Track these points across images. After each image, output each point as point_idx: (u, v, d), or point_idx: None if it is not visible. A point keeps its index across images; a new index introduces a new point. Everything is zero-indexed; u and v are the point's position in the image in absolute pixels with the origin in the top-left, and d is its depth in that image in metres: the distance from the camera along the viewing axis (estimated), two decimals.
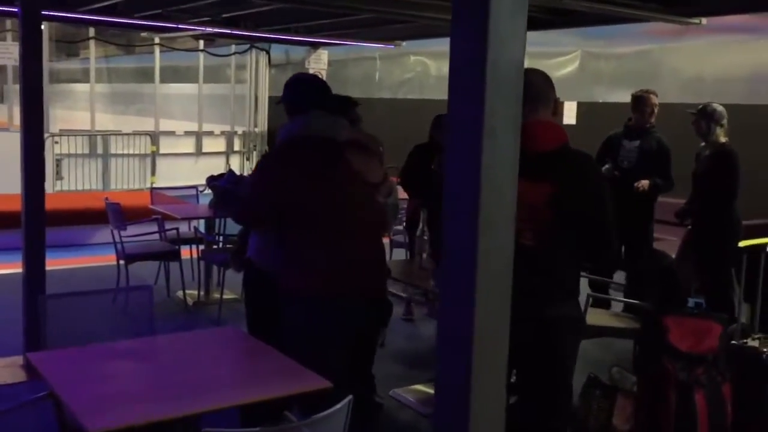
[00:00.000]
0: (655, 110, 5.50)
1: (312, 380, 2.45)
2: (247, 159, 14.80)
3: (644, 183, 5.25)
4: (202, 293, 6.20)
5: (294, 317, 2.92)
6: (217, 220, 6.28)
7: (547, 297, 2.52)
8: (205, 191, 6.78)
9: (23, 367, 4.30)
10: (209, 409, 2.19)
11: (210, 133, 13.96)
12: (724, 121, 5.03)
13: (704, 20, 5.51)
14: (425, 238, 4.30)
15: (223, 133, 14.23)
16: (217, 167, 14.05)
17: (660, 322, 3.28)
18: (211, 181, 6.37)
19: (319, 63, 8.87)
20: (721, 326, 3.32)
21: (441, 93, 12.79)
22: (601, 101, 10.03)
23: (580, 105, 10.49)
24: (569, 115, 10.52)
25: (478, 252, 1.38)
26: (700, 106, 5.13)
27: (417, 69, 13.48)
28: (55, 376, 2.38)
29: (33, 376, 2.50)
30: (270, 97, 15.88)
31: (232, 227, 6.26)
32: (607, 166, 5.39)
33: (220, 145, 14.17)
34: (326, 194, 2.96)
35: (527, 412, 2.66)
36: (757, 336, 3.63)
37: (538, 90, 2.54)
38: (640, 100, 5.51)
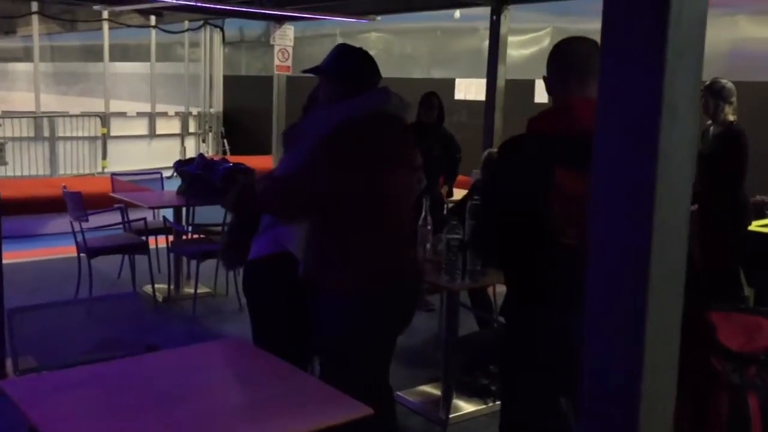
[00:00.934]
0: None
1: (351, 407, 2.08)
2: (203, 141, 14.19)
3: None
4: (172, 288, 5.72)
5: (351, 318, 2.59)
6: (185, 209, 5.80)
7: None
8: (173, 176, 6.31)
9: None
10: None
11: (164, 114, 13.30)
12: (733, 99, 4.78)
13: None
14: (428, 227, 3.96)
15: (177, 114, 13.58)
16: (172, 150, 13.42)
17: (706, 319, 2.99)
18: (180, 166, 5.95)
19: (284, 39, 8.38)
20: None
21: (405, 71, 12.40)
22: None
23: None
24: (542, 93, 10.31)
25: (651, 258, 1.03)
26: (707, 83, 4.87)
27: (379, 47, 13.04)
28: (36, 410, 1.94)
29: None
30: (225, 77, 15.27)
31: (204, 216, 5.80)
32: None
33: (174, 126, 13.52)
34: (397, 178, 2.69)
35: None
36: None
37: (587, 60, 2.17)
38: None
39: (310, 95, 3.21)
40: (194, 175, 5.51)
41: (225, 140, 14.45)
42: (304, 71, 2.84)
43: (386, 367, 2.83)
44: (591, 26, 8.48)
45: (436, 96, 5.48)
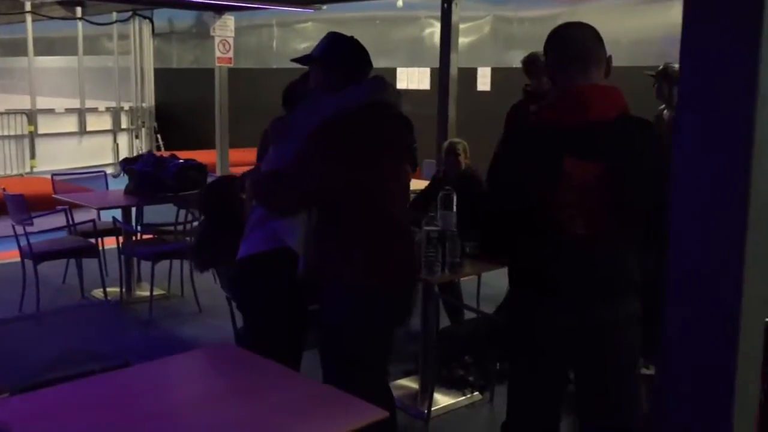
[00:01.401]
0: None
1: (365, 411, 1.99)
2: (136, 137, 13.74)
3: None
4: (124, 291, 5.49)
5: (353, 313, 2.52)
6: (134, 208, 5.57)
7: (606, 292, 2.15)
8: (121, 175, 6.05)
9: None
10: None
11: (94, 110, 12.80)
12: None
13: None
14: None
15: (108, 109, 13.09)
16: (104, 147, 12.95)
17: None
18: (128, 164, 5.70)
19: (225, 30, 8.13)
20: None
21: None
22: (515, 66, 9.85)
23: (494, 71, 10.33)
24: (483, 81, 10.35)
25: (746, 258, 0.98)
26: (660, 68, 4.95)
27: (316, 37, 12.90)
28: None
29: None
30: (157, 70, 14.80)
31: (154, 215, 5.59)
32: None
33: (105, 122, 13.04)
34: (394, 171, 2.62)
35: (593, 415, 2.32)
36: None
37: (588, 47, 2.14)
38: (532, 65, 5.22)
39: (291, 87, 3.09)
40: (144, 173, 5.29)
41: (158, 135, 14.03)
42: (294, 60, 2.71)
43: (386, 365, 2.76)
44: (530, 14, 8.66)
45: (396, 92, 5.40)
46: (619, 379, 2.23)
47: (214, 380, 2.25)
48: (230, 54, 8.19)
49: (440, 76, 6.14)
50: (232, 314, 3.98)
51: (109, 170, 6.94)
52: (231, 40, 8.18)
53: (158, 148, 13.63)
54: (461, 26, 10.24)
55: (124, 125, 13.36)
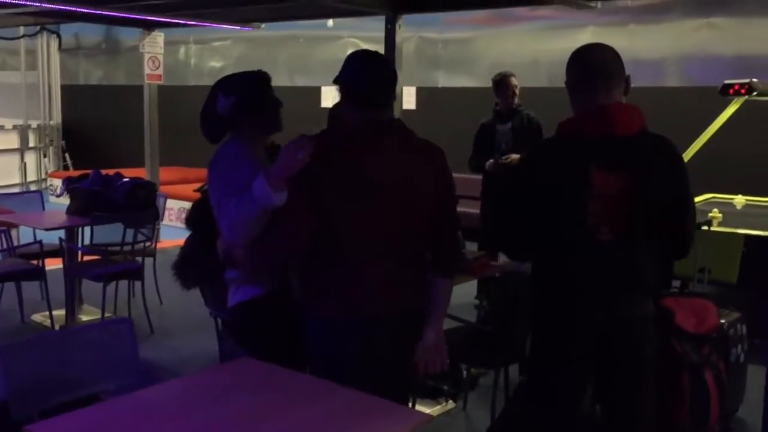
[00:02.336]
0: (516, 91, 5.56)
1: (410, 415, 2.07)
2: (44, 155, 13.18)
3: (513, 157, 5.25)
4: (73, 315, 5.29)
5: (321, 345, 2.38)
6: (80, 228, 5.39)
7: (628, 296, 2.33)
8: (63, 195, 5.83)
9: None
10: None
11: (0, 128, 12.20)
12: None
13: (599, 4, 5.68)
14: None
15: (15, 127, 12.51)
16: (11, 166, 12.36)
17: (663, 305, 3.24)
18: (71, 183, 5.52)
19: (155, 47, 7.98)
20: (714, 304, 3.38)
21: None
22: (440, 86, 10.15)
23: (419, 90, 10.58)
24: (408, 100, 10.57)
25: None
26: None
27: (235, 55, 12.79)
28: None
29: None
30: (63, 86, 14.26)
31: (102, 236, 5.44)
32: (489, 162, 5.39)
33: (12, 141, 12.46)
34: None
35: (610, 419, 2.48)
36: None
37: (610, 67, 2.31)
38: (500, 84, 5.55)
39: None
40: (91, 193, 5.14)
41: (66, 154, 13.50)
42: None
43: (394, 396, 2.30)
44: (453, 35, 9.03)
45: None
46: (639, 380, 2.39)
47: (251, 395, 2.23)
48: (160, 71, 8.05)
49: None
50: (218, 332, 3.96)
51: (15, 189, 6.66)
52: (161, 57, 8.04)
53: (65, 168, 13.12)
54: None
55: (32, 143, 12.80)
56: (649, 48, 8.37)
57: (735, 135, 6.30)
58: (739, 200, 6.27)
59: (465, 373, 4.20)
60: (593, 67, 2.30)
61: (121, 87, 14.27)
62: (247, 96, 2.62)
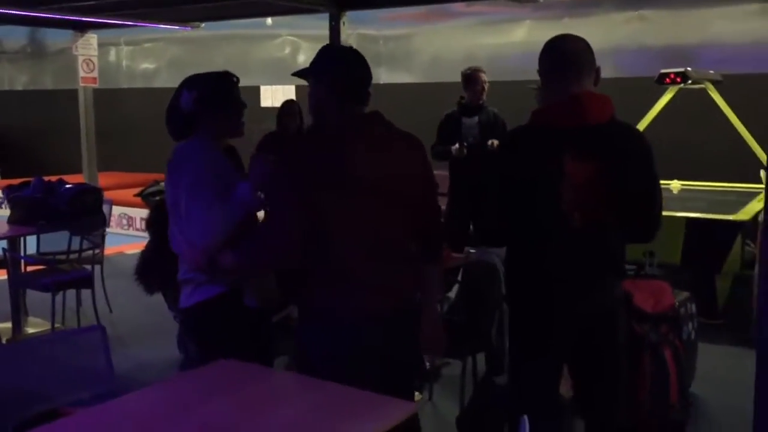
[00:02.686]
0: (486, 86, 5.70)
1: (399, 406, 2.08)
2: None
3: (495, 142, 5.34)
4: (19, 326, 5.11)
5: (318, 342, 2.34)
6: (22, 238, 5.21)
7: (600, 281, 2.40)
8: (4, 205, 5.62)
9: None
10: None
11: None
12: None
13: None
14: None
15: None
16: None
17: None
18: (11, 192, 5.33)
19: (88, 49, 7.77)
20: (669, 284, 3.51)
21: None
22: (382, 82, 10.19)
23: None
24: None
25: None
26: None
27: (167, 56, 12.54)
28: None
29: None
30: None
31: (47, 244, 5.28)
32: (455, 146, 5.49)
33: None
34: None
35: (587, 403, 2.54)
36: None
37: (581, 57, 2.37)
38: (470, 78, 5.68)
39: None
40: (34, 201, 4.98)
41: None
42: (294, 74, 2.60)
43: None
44: (392, 32, 9.09)
45: (296, 103, 5.47)
46: (616, 362, 2.47)
47: (235, 394, 2.21)
48: (95, 74, 7.84)
49: None
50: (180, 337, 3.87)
51: None
52: (95, 59, 7.83)
53: None
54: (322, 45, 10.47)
55: None
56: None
57: (669, 122, 6.53)
58: (675, 185, 6.51)
59: (428, 364, 4.25)
60: (565, 57, 2.36)
61: (50, 92, 13.84)
62: (210, 91, 2.60)
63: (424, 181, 2.39)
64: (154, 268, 3.36)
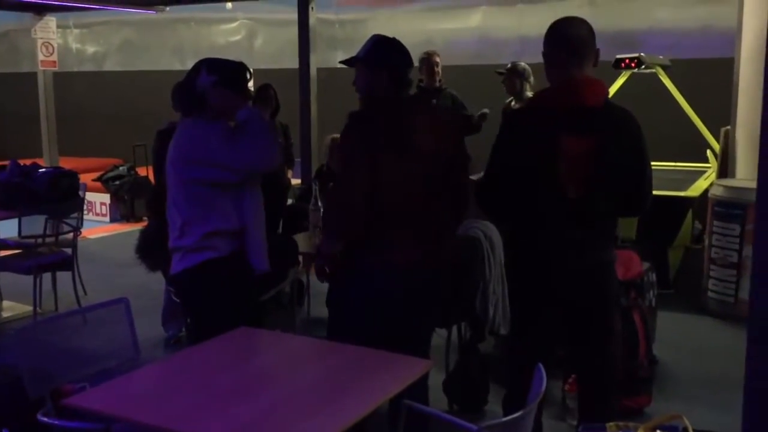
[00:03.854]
0: (438, 69, 5.79)
1: (414, 364, 2.30)
2: None
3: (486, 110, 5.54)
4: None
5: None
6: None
7: (591, 246, 2.66)
8: None
9: None
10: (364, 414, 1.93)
11: None
12: (531, 78, 5.61)
13: None
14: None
15: None
16: None
17: None
18: None
19: (47, 32, 7.69)
20: (637, 252, 3.80)
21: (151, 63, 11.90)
22: (338, 66, 10.31)
23: (319, 71, 10.66)
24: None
25: None
26: (509, 66, 5.65)
27: (117, 39, 12.38)
28: (141, 412, 1.88)
29: None
30: None
31: (26, 227, 5.30)
32: None
33: None
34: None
35: (586, 358, 2.79)
36: None
37: (585, 43, 2.58)
38: (423, 62, 5.79)
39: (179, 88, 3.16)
40: (11, 185, 5.00)
41: None
42: (342, 62, 2.90)
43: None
44: (349, 16, 9.20)
45: (272, 87, 5.57)
46: (610, 319, 2.73)
47: (261, 357, 2.39)
48: (54, 57, 7.77)
49: (300, 76, 6.40)
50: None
51: None
52: (54, 42, 7.75)
53: None
54: (282, 29, 10.50)
55: None
56: (537, 26, 8.90)
57: (622, 105, 6.87)
58: None
59: None
60: (570, 44, 2.57)
61: None
62: (228, 79, 2.76)
63: (457, 150, 2.84)
64: (156, 247, 3.49)
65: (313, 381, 2.21)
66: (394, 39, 2.84)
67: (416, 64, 5.66)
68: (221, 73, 2.76)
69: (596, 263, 2.67)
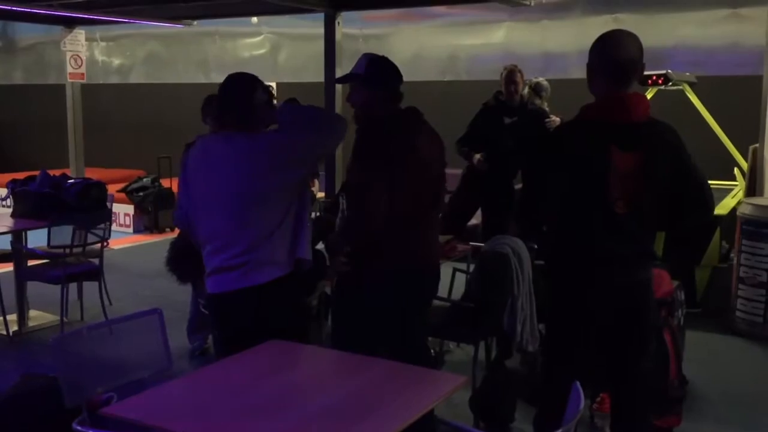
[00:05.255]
0: (520, 85, 5.51)
1: (447, 380, 2.29)
2: None
3: (556, 119, 5.37)
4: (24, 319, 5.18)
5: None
6: (24, 233, 5.28)
7: (635, 263, 2.63)
8: (6, 200, 5.66)
9: None
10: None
11: None
12: (546, 94, 5.67)
13: (532, 1, 6.04)
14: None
15: None
16: None
17: None
18: (16, 186, 5.38)
19: (76, 45, 7.79)
20: (667, 272, 3.77)
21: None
22: None
23: (345, 85, 10.72)
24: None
25: None
26: (533, 84, 5.70)
27: (143, 53, 12.53)
28: (176, 422, 1.89)
29: None
30: None
31: (55, 237, 5.34)
32: (477, 156, 5.44)
33: None
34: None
35: (621, 377, 2.75)
36: None
37: (634, 61, 2.55)
38: (503, 76, 5.54)
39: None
40: (42, 195, 5.06)
41: None
42: (340, 80, 2.95)
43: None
44: (370, 31, 9.27)
45: (296, 101, 5.58)
46: (647, 338, 2.70)
47: (295, 372, 2.38)
48: (83, 69, 7.87)
49: (326, 89, 6.45)
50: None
51: None
52: (83, 55, 7.86)
53: None
54: (312, 43, 10.57)
55: None
56: (560, 42, 8.92)
57: None
58: None
59: (433, 351, 4.46)
60: (621, 62, 2.53)
61: (21, 87, 13.71)
62: (270, 98, 2.81)
63: (444, 165, 3.09)
64: (186, 258, 3.50)
65: (347, 396, 2.20)
66: (385, 58, 2.96)
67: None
68: (268, 94, 2.81)
69: (638, 280, 2.64)
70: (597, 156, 2.50)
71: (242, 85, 2.79)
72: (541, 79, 5.75)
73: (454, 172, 4.41)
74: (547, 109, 5.67)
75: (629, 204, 2.54)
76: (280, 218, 2.70)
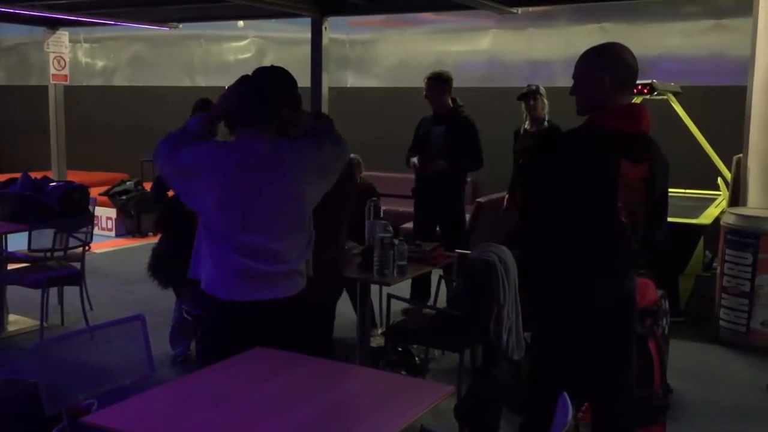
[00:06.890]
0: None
1: (434, 390, 2.27)
2: None
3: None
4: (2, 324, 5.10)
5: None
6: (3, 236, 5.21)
7: (629, 272, 2.64)
8: None
9: None
10: None
11: None
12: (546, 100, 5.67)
13: (519, 10, 6.05)
14: None
15: None
16: None
17: None
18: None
19: (59, 46, 7.71)
20: (652, 280, 3.77)
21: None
22: (349, 86, 10.34)
23: (330, 90, 10.69)
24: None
25: None
26: (539, 88, 5.70)
27: (127, 55, 12.42)
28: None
29: None
30: None
31: (35, 241, 5.29)
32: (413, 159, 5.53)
33: None
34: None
35: (603, 386, 2.74)
36: None
37: (634, 71, 2.57)
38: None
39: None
40: (23, 198, 4.99)
41: None
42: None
43: None
44: (356, 36, 9.19)
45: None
46: (630, 347, 2.70)
47: (277, 380, 2.34)
48: (66, 71, 7.79)
49: (312, 95, 6.41)
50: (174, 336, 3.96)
51: None
52: (66, 56, 7.78)
53: None
54: (291, 48, 10.54)
55: None
56: (546, 50, 8.94)
57: None
58: None
59: (418, 359, 4.44)
60: (631, 72, 2.55)
61: (3, 88, 13.56)
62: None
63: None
64: (168, 264, 3.47)
65: (332, 406, 2.17)
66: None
67: (421, 84, 5.74)
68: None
69: (629, 290, 2.65)
70: (607, 166, 2.49)
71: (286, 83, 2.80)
72: (538, 86, 5.77)
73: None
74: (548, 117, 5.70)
75: (631, 214, 2.54)
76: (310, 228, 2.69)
